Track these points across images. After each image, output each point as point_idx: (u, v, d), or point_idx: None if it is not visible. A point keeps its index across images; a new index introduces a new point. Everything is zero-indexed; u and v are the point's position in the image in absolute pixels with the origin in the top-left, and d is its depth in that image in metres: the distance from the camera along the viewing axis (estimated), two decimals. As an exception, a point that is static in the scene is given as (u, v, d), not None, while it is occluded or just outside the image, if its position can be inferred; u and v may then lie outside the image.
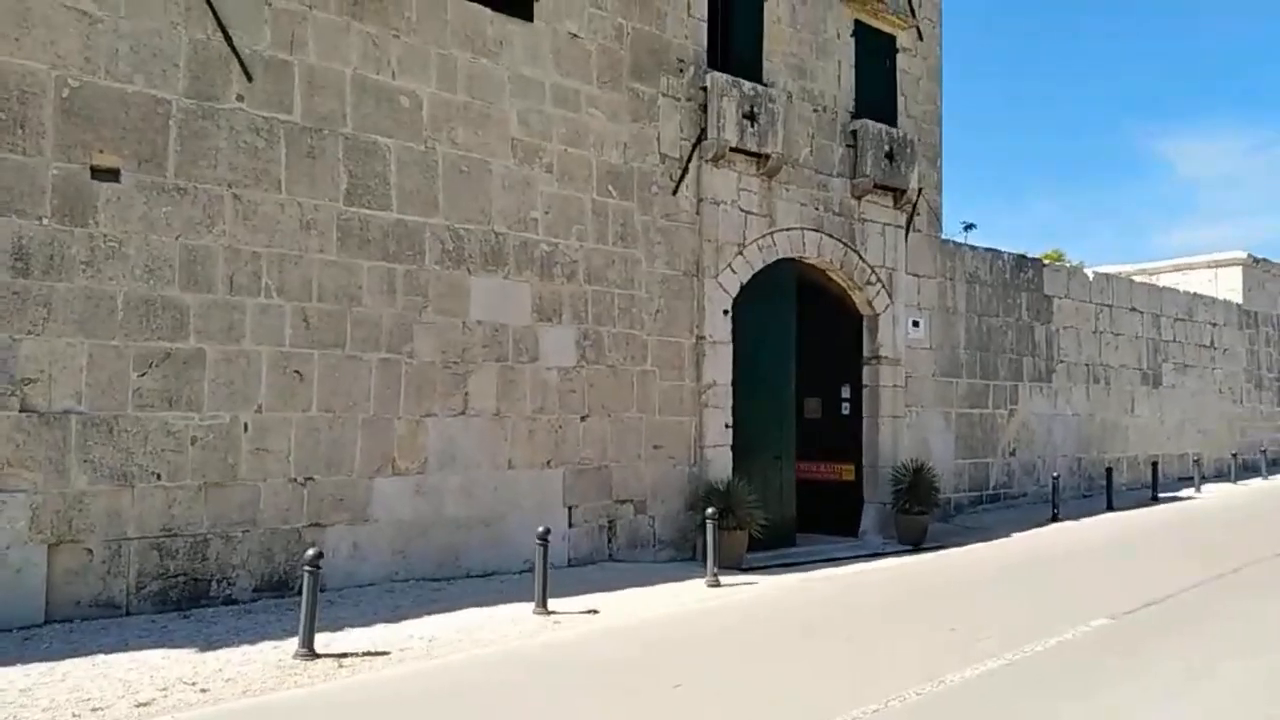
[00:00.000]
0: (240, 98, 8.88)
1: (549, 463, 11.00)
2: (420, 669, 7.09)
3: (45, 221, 7.82)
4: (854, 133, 14.76)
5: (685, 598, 9.80)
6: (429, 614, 8.55)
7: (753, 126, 12.94)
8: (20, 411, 7.66)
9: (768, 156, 13.20)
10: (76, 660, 6.83)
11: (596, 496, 11.44)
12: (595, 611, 8.95)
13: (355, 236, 9.56)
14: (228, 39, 8.76)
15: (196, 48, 8.63)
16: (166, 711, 5.99)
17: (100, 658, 6.92)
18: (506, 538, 10.46)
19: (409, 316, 9.92)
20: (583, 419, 11.35)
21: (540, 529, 8.89)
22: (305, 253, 9.22)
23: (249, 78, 8.88)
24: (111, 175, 8.14)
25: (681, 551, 12.17)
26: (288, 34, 9.19)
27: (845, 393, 15.35)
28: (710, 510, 10.76)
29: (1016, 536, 14.46)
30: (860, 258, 14.89)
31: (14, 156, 7.69)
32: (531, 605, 8.79)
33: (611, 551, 11.56)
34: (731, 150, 12.83)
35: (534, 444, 10.86)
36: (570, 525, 11.15)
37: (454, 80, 10.35)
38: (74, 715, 5.84)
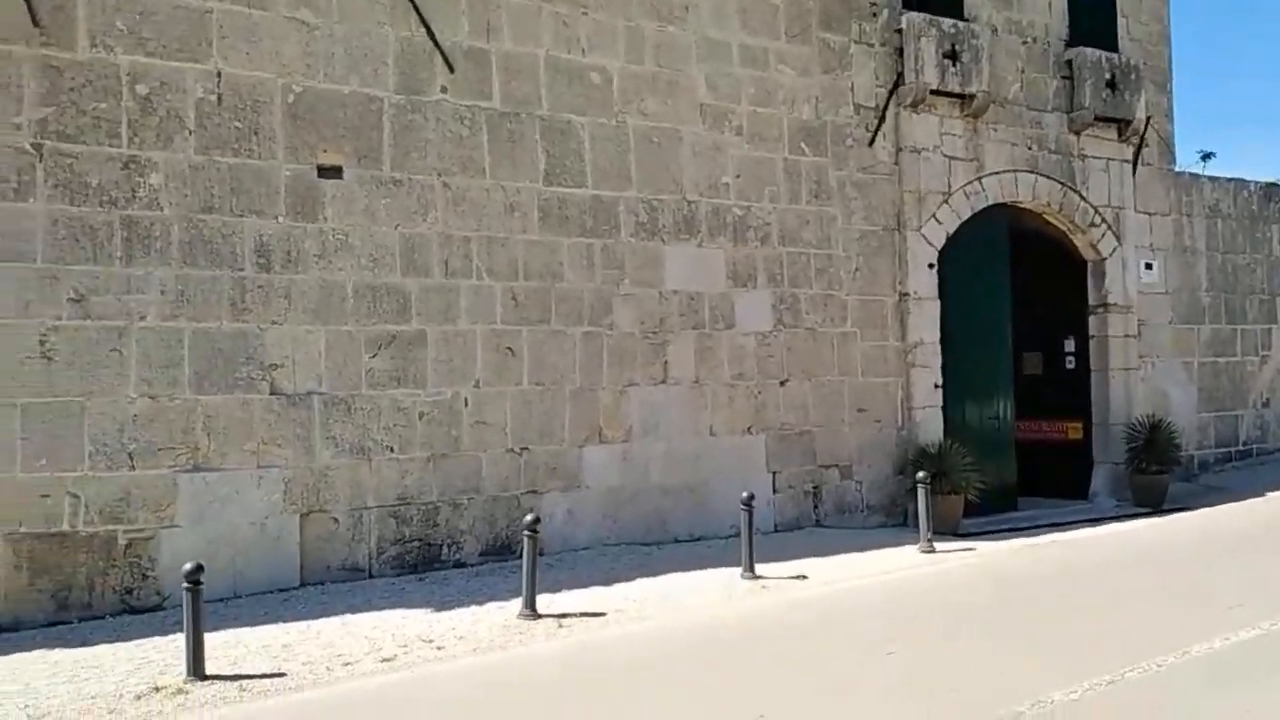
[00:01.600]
0: (444, 89, 9.33)
1: (750, 429, 10.99)
2: (635, 630, 7.32)
3: (281, 219, 8.58)
4: (1069, 62, 13.62)
5: (896, 564, 9.56)
6: (640, 577, 8.80)
7: (954, 66, 12.21)
8: (270, 394, 8.49)
9: (972, 97, 12.44)
10: (328, 619, 7.54)
11: (800, 462, 11.32)
12: (803, 577, 8.90)
13: (555, 215, 9.87)
14: (430, 33, 9.21)
15: (403, 45, 9.13)
16: (407, 666, 6.51)
17: (348, 617, 7.61)
18: (711, 503, 10.57)
19: (608, 289, 10.15)
20: (782, 384, 11.24)
21: (744, 494, 8.92)
22: (511, 234, 9.62)
23: (451, 69, 9.31)
24: (335, 173, 8.80)
25: (891, 517, 11.85)
26: (483, 22, 9.54)
27: (1069, 345, 14.33)
28: (921, 474, 10.40)
29: (1272, 496, 13.05)
30: (1081, 198, 13.79)
31: (252, 162, 8.47)
32: (739, 570, 8.85)
33: (818, 517, 11.43)
34: (932, 93, 12.18)
35: (734, 410, 10.88)
36: (774, 491, 11.11)
37: (642, 51, 10.41)
38: (327, 668, 6.45)
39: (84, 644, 7.00)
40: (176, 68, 8.16)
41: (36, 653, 6.80)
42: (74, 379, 7.74)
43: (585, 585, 8.51)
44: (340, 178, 8.83)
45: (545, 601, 7.80)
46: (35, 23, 7.61)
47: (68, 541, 7.67)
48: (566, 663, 6.58)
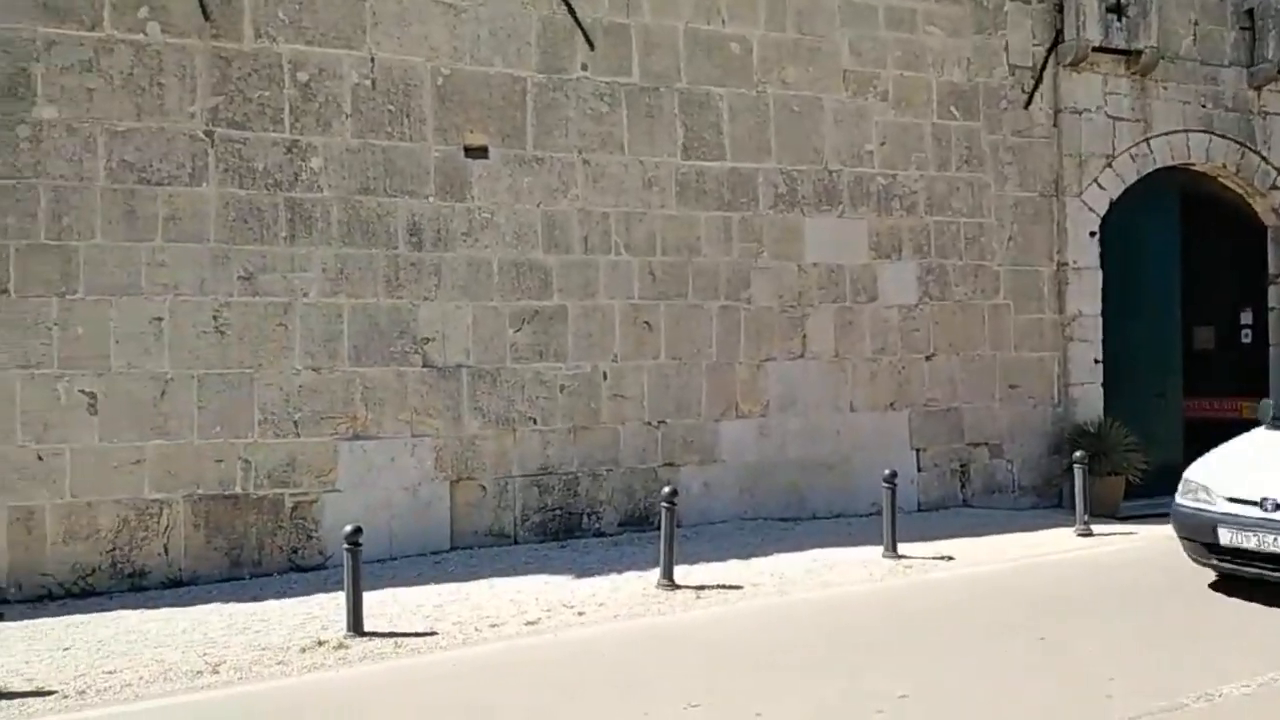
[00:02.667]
0: (584, 66, 9.42)
1: (893, 404, 10.70)
2: (772, 604, 7.30)
3: (431, 199, 8.89)
4: (1249, 11, 12.50)
5: (1050, 547, 9.14)
6: (777, 552, 8.74)
7: (1119, 20, 11.42)
8: (422, 367, 8.85)
9: (1139, 53, 11.60)
10: (476, 583, 7.85)
11: (946, 439, 10.96)
12: (949, 558, 8.64)
13: (692, 189, 9.83)
14: (571, 11, 9.30)
15: (544, 24, 9.27)
16: (550, 630, 6.71)
17: (494, 580, 7.90)
18: (851, 480, 10.37)
19: (745, 263, 10.06)
20: (928, 358, 10.89)
21: (887, 471, 8.71)
22: (648, 209, 9.65)
23: (591, 46, 9.39)
24: (481, 153, 9.05)
25: (1045, 498, 11.33)
26: (622, -3, 9.58)
27: (1246, 319, 13.26)
28: (1079, 454, 9.88)
29: None
30: (1262, 159, 12.68)
31: (404, 144, 8.80)
32: (880, 549, 8.67)
33: (965, 497, 11.05)
34: (1094, 50, 11.43)
35: (876, 385, 10.62)
36: (919, 469, 10.81)
37: (783, 18, 10.20)
38: (476, 629, 6.72)
39: (255, 599, 7.53)
40: (334, 55, 8.56)
41: (213, 605, 7.37)
42: (244, 352, 8.28)
43: (722, 558, 8.53)
44: (486, 157, 9.07)
45: (682, 572, 7.86)
46: (206, 16, 8.12)
47: (240, 503, 8.25)
48: (705, 633, 6.63)
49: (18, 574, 7.64)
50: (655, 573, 7.79)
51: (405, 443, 8.76)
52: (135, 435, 7.96)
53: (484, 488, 9.05)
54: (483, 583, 7.85)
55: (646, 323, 9.66)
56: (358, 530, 6.66)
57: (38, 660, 6.12)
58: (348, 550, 6.56)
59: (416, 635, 6.56)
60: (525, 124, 9.20)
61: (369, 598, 6.84)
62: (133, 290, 7.96)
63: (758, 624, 6.84)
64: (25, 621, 7.02)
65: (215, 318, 8.20)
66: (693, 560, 8.35)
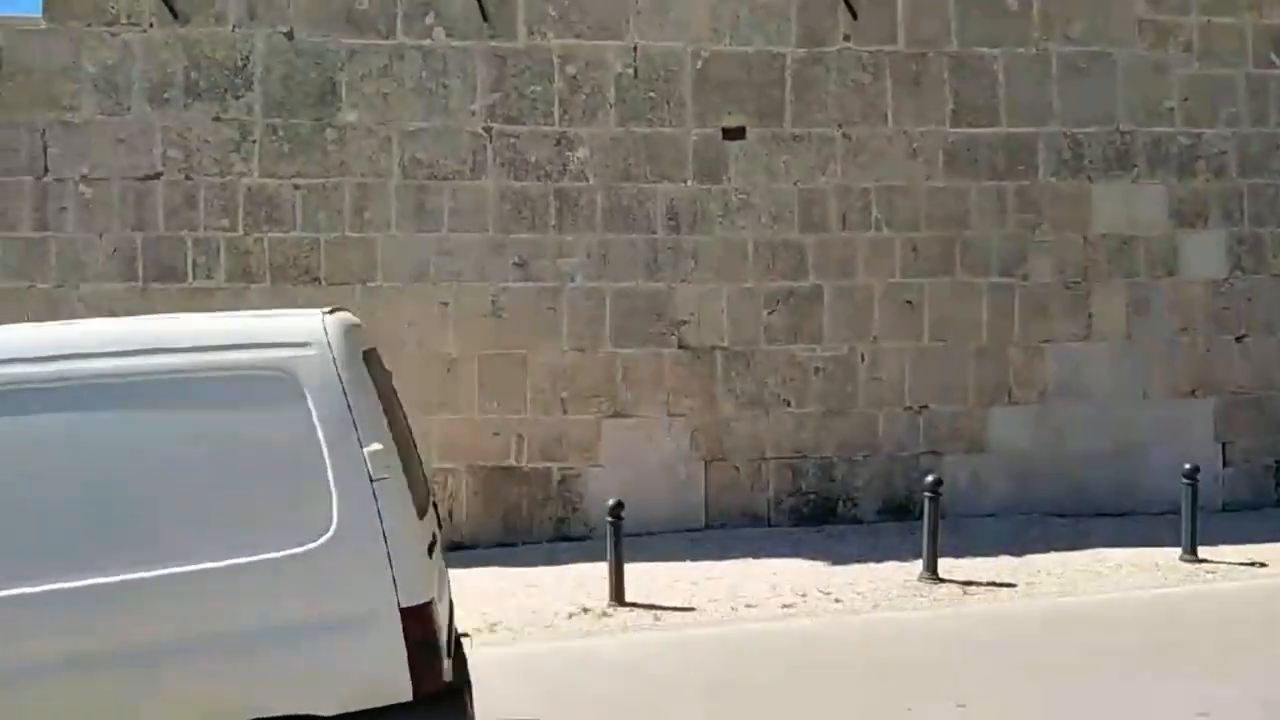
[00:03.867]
0: (846, 37, 9.12)
1: (1194, 391, 9.57)
2: (1050, 606, 6.79)
3: (689, 183, 8.99)
4: None
5: (1395, 562, 7.83)
6: (1054, 550, 8.12)
7: None
8: (678, 348, 9.01)
9: None
10: (731, 562, 7.91)
11: (1259, 432, 9.67)
12: (1261, 564, 7.65)
13: (962, 158, 9.27)
14: (830, -18, 9.03)
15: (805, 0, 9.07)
16: (807, 614, 6.64)
17: (749, 561, 7.92)
18: (1142, 475, 9.40)
19: (1021, 236, 9.35)
20: (1238, 339, 9.64)
21: (1186, 466, 7.82)
22: (912, 182, 9.22)
23: (854, 15, 9.07)
24: (739, 133, 9.02)
25: (1387, 503, 9.72)
26: (886, -38, 9.16)
27: None
28: None
29: None
30: None
31: (665, 130, 8.95)
32: (1176, 550, 7.82)
33: (1281, 498, 9.72)
34: None
35: (1173, 370, 9.54)
36: (1224, 464, 9.61)
37: (1066, -31, 9.34)
38: (731, 608, 6.78)
39: (526, 564, 8.03)
40: (599, 46, 8.84)
41: (491, 569, 7.93)
42: (518, 334, 8.81)
43: (991, 553, 8.04)
44: (743, 138, 9.03)
45: (947, 566, 7.49)
46: (485, 18, 8.66)
47: (513, 475, 8.82)
48: (973, 630, 6.28)
49: (329, 529, 8.62)
50: (917, 564, 7.48)
51: (662, 422, 8.97)
52: (425, 410, 8.69)
53: (737, 469, 9.08)
54: (737, 563, 7.90)
55: (908, 302, 9.25)
56: (619, 504, 6.91)
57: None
58: (610, 523, 6.82)
59: (675, 609, 6.72)
60: (784, 101, 9.06)
61: (629, 570, 7.08)
62: (423, 277, 8.70)
63: (1037, 624, 6.38)
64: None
65: (493, 302, 8.79)
66: (958, 554, 7.93)
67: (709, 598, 7.00)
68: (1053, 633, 6.22)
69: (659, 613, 6.66)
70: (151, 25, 8.40)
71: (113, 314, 8.32)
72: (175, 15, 8.39)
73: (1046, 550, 8.10)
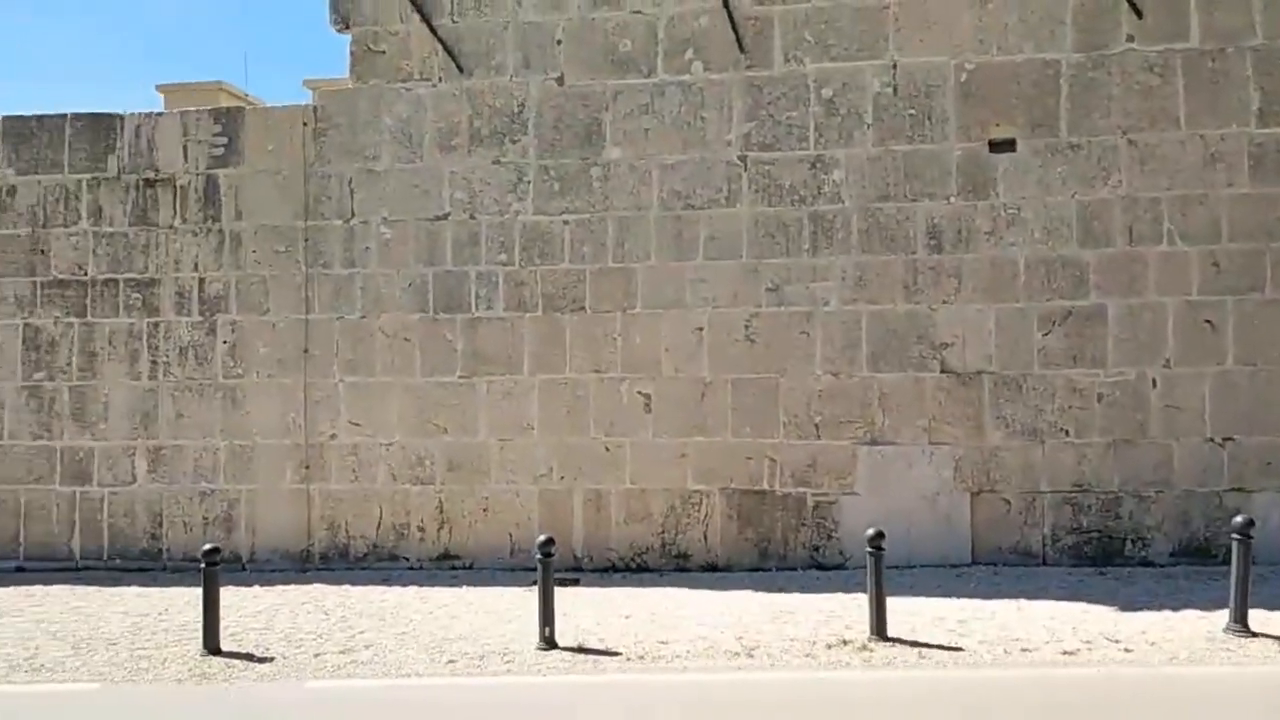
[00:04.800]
0: (1130, 38, 8.44)
1: None
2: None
3: (952, 200, 8.64)
4: None
5: None
6: (1401, 610, 6.93)
7: None
8: (940, 373, 8.63)
9: None
10: (1000, 601, 7.41)
11: None
12: None
13: (1270, 162, 8.27)
14: (1109, -20, 8.41)
15: (1081, 1, 8.48)
16: (1092, 664, 6.07)
17: (1021, 602, 7.38)
18: None
19: (1351, 247, 8.18)
20: None
21: None
22: (1210, 190, 8.33)
23: (1139, 14, 8.37)
24: (1007, 146, 8.57)
25: None
26: (1176, -47, 8.39)
27: None
28: None
29: None
30: None
31: (924, 146, 8.67)
32: None
33: None
34: None
35: None
36: None
37: (1404, -61, 8.12)
38: (1004, 650, 6.34)
39: (780, 590, 7.96)
40: (856, 67, 8.74)
41: (744, 592, 7.93)
42: (770, 359, 8.82)
43: (1318, 608, 6.99)
44: (1012, 150, 8.57)
45: (1260, 619, 6.60)
46: (741, 49, 8.82)
47: (766, 499, 8.79)
48: (1296, 698, 5.48)
49: (590, 546, 8.99)
50: (1221, 614, 6.65)
51: (923, 450, 8.61)
52: (680, 432, 8.91)
53: (1007, 502, 8.53)
54: (1008, 602, 7.39)
55: (1208, 322, 8.33)
56: (880, 534, 6.68)
57: (606, 624, 7.11)
58: (870, 553, 6.61)
59: (940, 648, 6.39)
60: (1058, 110, 8.50)
61: (889, 603, 6.81)
62: (679, 304, 8.93)
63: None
64: (594, 589, 8.23)
65: (746, 327, 8.85)
66: (1272, 605, 6.98)
67: (978, 638, 6.59)
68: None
69: (923, 650, 6.35)
70: (440, 80, 9.27)
71: (407, 341, 9.22)
72: (461, 69, 9.20)
73: (1390, 609, 6.94)
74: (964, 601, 7.46)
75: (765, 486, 8.80)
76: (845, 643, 6.50)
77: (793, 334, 8.79)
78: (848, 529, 8.59)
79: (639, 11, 8.99)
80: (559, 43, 9.11)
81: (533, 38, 9.14)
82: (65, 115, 9.75)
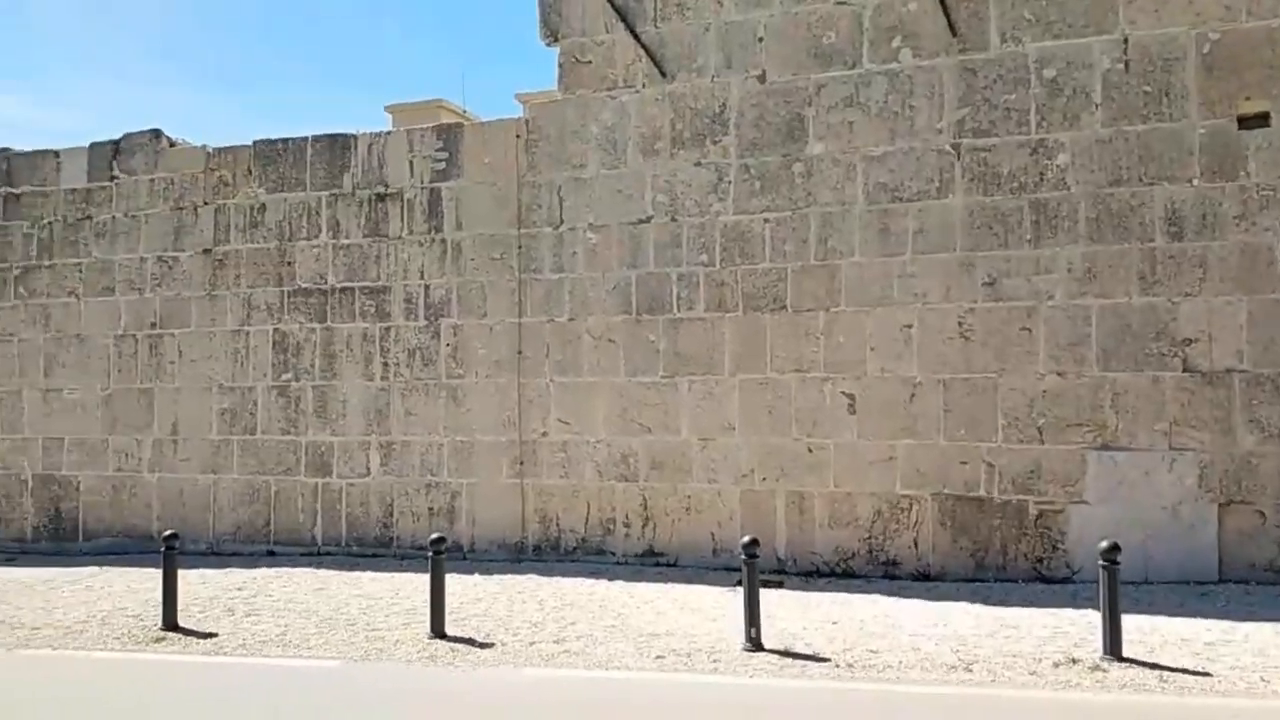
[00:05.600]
0: None
1: None
2: None
3: (1195, 182, 7.88)
4: None
5: None
6: None
7: None
8: (1183, 371, 7.89)
9: None
10: (1256, 624, 6.68)
11: None
12: None
13: None
14: (1389, -75, 7.39)
15: (1349, -50, 7.52)
16: (1371, 703, 5.35)
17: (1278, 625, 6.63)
18: None
19: None
20: None
21: None
22: None
23: None
24: (1260, 121, 7.73)
25: None
26: None
27: None
28: None
29: None
30: None
31: (1162, 125, 7.96)
32: None
33: None
34: None
35: None
36: None
37: None
38: (1261, 679, 5.71)
39: (1000, 603, 7.53)
40: (1082, 44, 8.14)
41: (959, 603, 7.56)
42: (987, 357, 8.36)
43: None
44: (1265, 125, 7.72)
45: None
46: (954, 32, 8.42)
47: (983, 506, 8.34)
48: None
49: (793, 549, 8.87)
50: None
51: (1162, 456, 7.90)
52: (887, 434, 8.62)
53: (1262, 514, 7.68)
54: (1264, 625, 6.65)
55: None
56: (1115, 547, 6.19)
57: (812, 629, 6.99)
58: (1104, 568, 6.14)
59: (1184, 672, 5.83)
60: (1324, 77, 7.57)
61: (1124, 621, 6.29)
62: (885, 301, 8.64)
63: None
64: (798, 593, 8.10)
65: (960, 323, 8.44)
66: None
67: (1228, 663, 5.97)
68: None
69: (1164, 673, 5.81)
70: (643, 85, 9.44)
71: (612, 342, 9.45)
72: (663, 74, 9.33)
73: None
74: (1210, 622, 6.79)
75: (982, 493, 8.36)
76: (1074, 661, 6.06)
77: (1012, 330, 8.31)
78: (1075, 540, 8.02)
79: (843, 2, 8.78)
80: (760, 40, 9.05)
81: (734, 37, 9.13)
82: (307, 138, 10.69)
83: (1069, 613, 7.16)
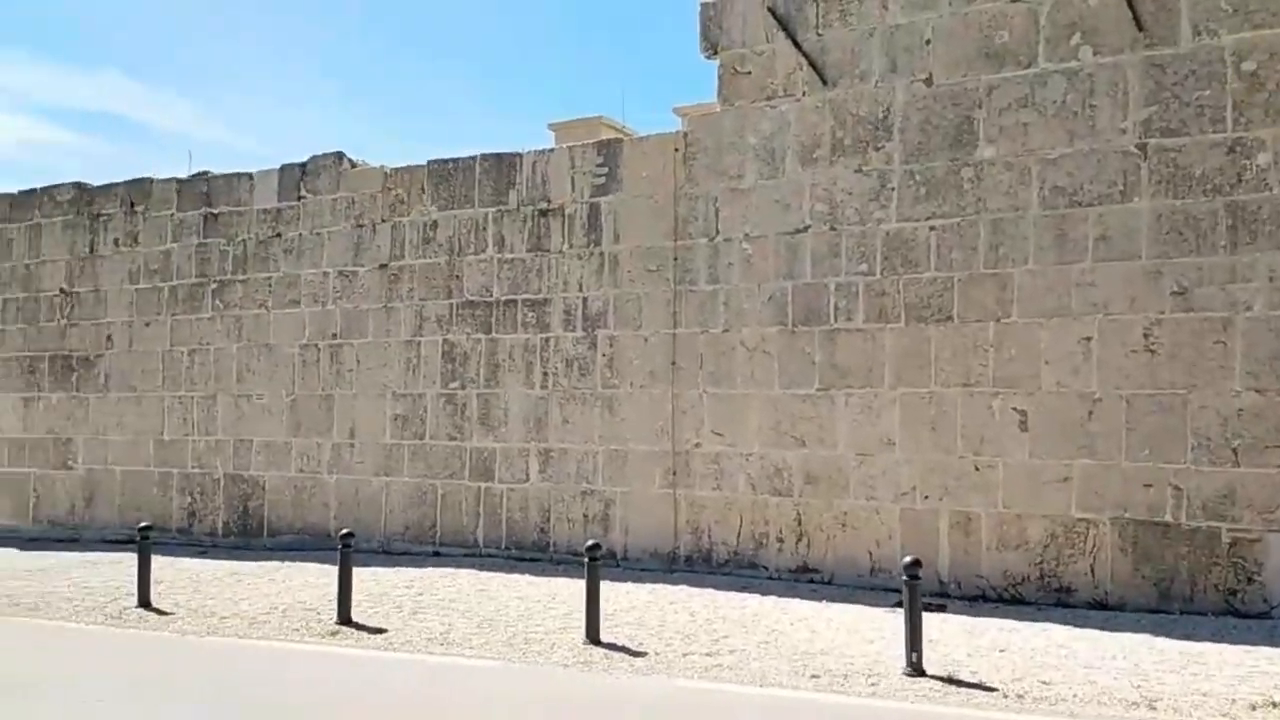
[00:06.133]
0: None
1: None
2: None
3: None
4: None
5: None
6: None
7: None
8: None
9: None
10: None
11: None
12: None
13: None
14: None
15: None
16: None
17: None
18: None
19: None
20: None
21: None
22: None
23: None
24: None
25: None
26: None
27: None
28: None
29: None
30: None
31: (1382, 119, 7.20)
32: None
33: None
34: None
35: None
36: None
37: None
38: None
39: (1186, 638, 6.95)
40: (1285, 33, 7.48)
41: (1141, 636, 7.03)
42: (1176, 372, 7.76)
43: None
44: None
45: None
46: (1140, 27, 7.90)
47: (1169, 533, 7.74)
48: None
49: (957, 573, 8.48)
50: None
51: (1384, 485, 7.10)
52: (1063, 453, 8.13)
53: None
54: None
55: None
56: (1326, 584, 5.60)
57: (978, 656, 6.65)
58: (1313, 605, 5.56)
59: None
60: None
61: (1339, 668, 5.69)
62: (1062, 311, 8.17)
63: None
64: (963, 618, 7.73)
65: (1146, 335, 7.88)
66: None
67: None
68: None
69: (1388, 727, 5.21)
70: (804, 94, 9.32)
71: (766, 354, 9.36)
72: (825, 81, 9.19)
73: None
74: None
75: (1168, 518, 7.75)
76: (1275, 705, 5.52)
77: (1205, 343, 7.68)
78: (1274, 571, 7.32)
79: (1018, 0, 8.40)
80: (927, 42, 8.77)
81: (900, 40, 8.89)
82: (475, 157, 11.13)
83: (1267, 651, 6.53)
